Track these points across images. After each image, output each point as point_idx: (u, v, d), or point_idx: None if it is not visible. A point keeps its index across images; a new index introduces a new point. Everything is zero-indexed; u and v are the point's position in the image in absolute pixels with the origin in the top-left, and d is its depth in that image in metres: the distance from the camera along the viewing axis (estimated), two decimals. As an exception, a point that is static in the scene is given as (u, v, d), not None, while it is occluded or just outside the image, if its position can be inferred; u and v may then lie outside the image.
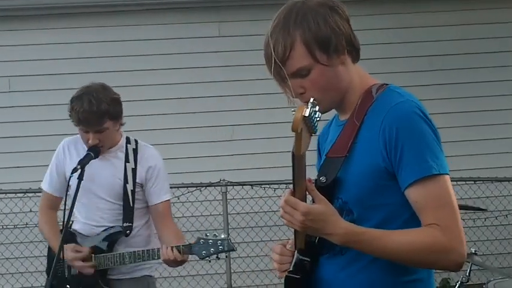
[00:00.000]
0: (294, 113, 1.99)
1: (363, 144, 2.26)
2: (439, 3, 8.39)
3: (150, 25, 8.15)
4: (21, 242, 7.64)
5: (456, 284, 5.29)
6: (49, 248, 4.26)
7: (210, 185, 7.62)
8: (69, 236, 3.98)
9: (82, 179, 3.86)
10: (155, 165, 4.13)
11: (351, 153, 2.27)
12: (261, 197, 7.76)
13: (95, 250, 4.06)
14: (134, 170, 4.09)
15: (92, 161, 3.94)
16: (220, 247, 3.94)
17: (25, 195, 7.42)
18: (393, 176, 2.21)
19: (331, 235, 2.18)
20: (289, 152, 2.06)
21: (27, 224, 7.43)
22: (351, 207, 2.26)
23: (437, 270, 2.29)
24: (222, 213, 7.70)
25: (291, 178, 2.13)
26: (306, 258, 2.31)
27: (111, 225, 4.09)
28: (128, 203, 4.08)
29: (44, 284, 4.13)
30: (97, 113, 3.91)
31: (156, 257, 3.98)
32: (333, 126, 2.45)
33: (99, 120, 3.93)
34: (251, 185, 7.66)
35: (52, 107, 7.50)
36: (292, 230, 2.26)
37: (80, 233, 4.14)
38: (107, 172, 4.09)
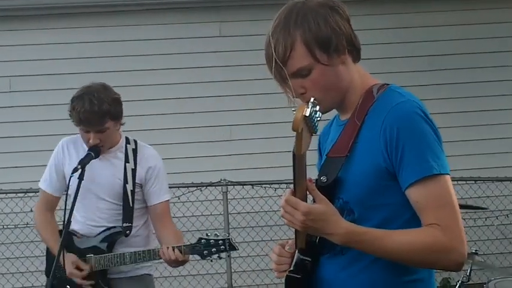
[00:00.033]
0: (294, 112, 1.99)
1: (364, 144, 2.26)
2: (439, 3, 8.39)
3: (150, 25, 8.15)
4: (22, 242, 7.65)
5: (457, 284, 5.30)
6: (47, 249, 4.25)
7: (210, 184, 7.63)
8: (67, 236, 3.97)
9: (83, 179, 3.87)
10: (155, 165, 4.13)
11: (352, 153, 2.27)
12: (261, 197, 7.75)
13: (95, 250, 4.06)
14: (134, 171, 4.09)
15: (92, 161, 3.94)
16: (221, 247, 3.94)
17: (26, 195, 7.41)
18: (394, 176, 2.21)
19: (331, 235, 2.18)
20: (287, 152, 2.06)
21: (27, 223, 7.42)
22: (352, 207, 2.26)
23: (438, 270, 2.29)
24: (222, 212, 7.70)
25: (291, 178, 2.12)
26: (306, 258, 2.31)
27: (111, 225, 4.08)
28: (128, 203, 4.07)
29: (44, 284, 4.13)
30: (98, 113, 3.90)
31: (156, 257, 3.98)
32: (334, 126, 2.45)
33: (101, 120, 3.93)
34: (252, 184, 7.66)
35: (52, 107, 7.50)
36: (293, 229, 2.26)
37: (80, 233, 4.13)
38: (107, 172, 4.09)
